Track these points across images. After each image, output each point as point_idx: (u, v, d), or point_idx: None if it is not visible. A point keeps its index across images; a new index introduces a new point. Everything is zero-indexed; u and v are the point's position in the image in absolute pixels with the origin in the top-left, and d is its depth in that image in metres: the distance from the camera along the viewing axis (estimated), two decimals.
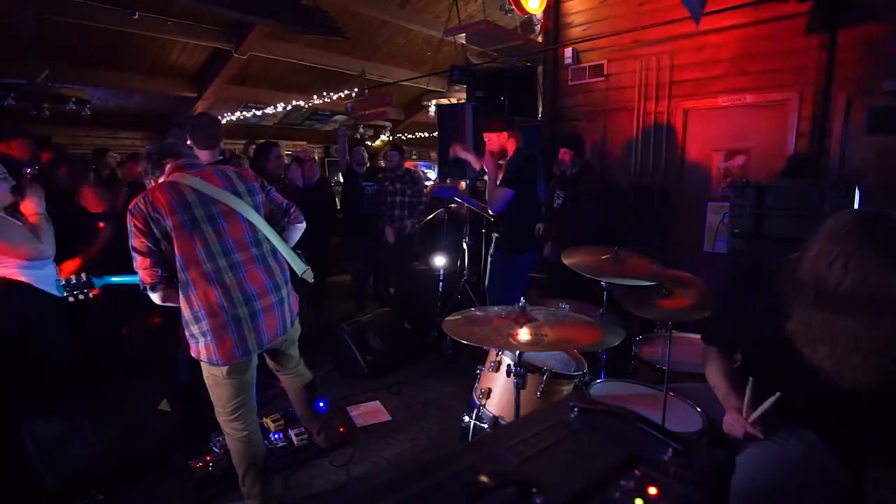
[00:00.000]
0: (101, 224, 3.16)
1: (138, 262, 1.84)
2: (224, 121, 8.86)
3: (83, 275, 2.19)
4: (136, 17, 5.85)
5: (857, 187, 2.68)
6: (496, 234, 3.40)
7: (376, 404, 3.35)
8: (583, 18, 4.66)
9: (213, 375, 2.00)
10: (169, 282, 1.89)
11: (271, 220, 2.12)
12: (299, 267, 2.15)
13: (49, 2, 5.32)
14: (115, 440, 2.54)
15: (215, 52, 7.31)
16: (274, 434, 2.79)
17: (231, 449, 2.14)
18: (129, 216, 1.82)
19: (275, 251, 2.07)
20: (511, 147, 3.23)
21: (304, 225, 2.26)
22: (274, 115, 9.08)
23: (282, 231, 2.17)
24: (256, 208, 2.02)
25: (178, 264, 1.86)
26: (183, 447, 2.69)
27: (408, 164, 7.17)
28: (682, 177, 4.23)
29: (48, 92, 4.97)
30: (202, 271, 1.86)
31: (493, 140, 3.24)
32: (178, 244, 1.84)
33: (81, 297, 2.19)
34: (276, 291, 2.04)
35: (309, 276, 2.19)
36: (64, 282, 2.16)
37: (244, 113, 8.85)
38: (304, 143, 10.50)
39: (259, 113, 8.84)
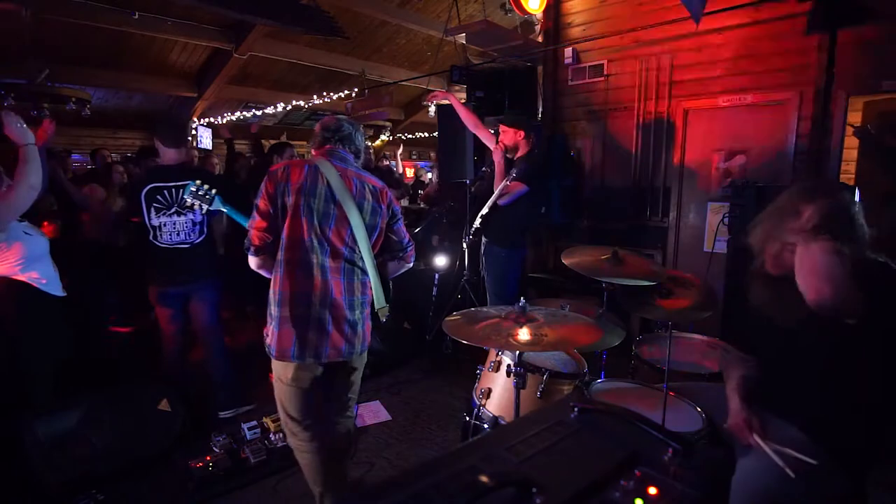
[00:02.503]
0: None
1: (255, 222, 1.86)
2: (224, 121, 8.87)
3: (213, 190, 2.45)
4: (136, 17, 5.86)
5: (856, 187, 2.68)
6: (485, 238, 3.42)
7: (376, 404, 3.35)
8: (583, 18, 4.67)
9: (280, 381, 1.95)
10: (270, 252, 1.89)
11: (383, 249, 2.06)
12: (379, 300, 2.04)
13: (49, 2, 5.32)
14: (115, 440, 2.54)
15: (215, 52, 7.32)
16: (274, 434, 2.79)
17: (302, 465, 2.04)
18: (266, 177, 1.88)
19: (363, 273, 1.97)
20: (522, 147, 3.29)
21: (411, 265, 2.19)
22: (274, 115, 9.10)
23: (388, 261, 2.11)
24: (369, 228, 1.94)
25: (281, 242, 1.88)
26: (183, 447, 2.69)
27: (408, 165, 7.19)
28: (682, 177, 4.23)
29: (48, 92, 4.99)
30: (295, 258, 1.86)
31: (509, 135, 3.28)
32: (289, 223, 1.86)
33: (198, 207, 2.47)
34: (351, 310, 1.94)
35: (382, 315, 2.08)
36: (195, 186, 2.42)
37: (244, 113, 8.86)
38: (305, 142, 10.51)
39: (259, 113, 8.85)
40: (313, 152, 2.06)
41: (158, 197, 2.82)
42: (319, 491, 2.04)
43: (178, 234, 2.87)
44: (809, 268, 1.40)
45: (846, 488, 1.45)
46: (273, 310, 1.89)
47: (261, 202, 1.86)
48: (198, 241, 2.93)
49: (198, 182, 2.46)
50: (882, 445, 1.50)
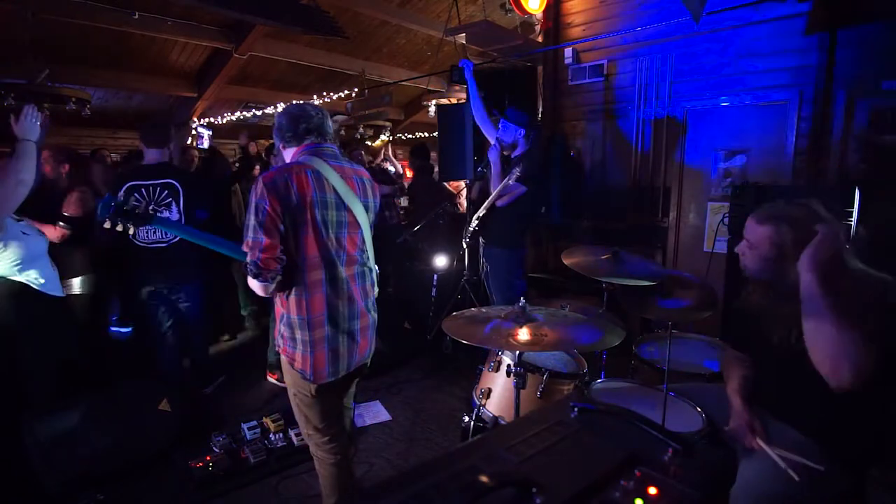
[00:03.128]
0: None
1: (264, 243, 1.61)
2: (224, 121, 8.87)
3: (143, 202, 1.98)
4: (136, 17, 5.85)
5: (856, 188, 2.68)
6: (483, 238, 3.41)
7: (376, 404, 3.35)
8: (583, 18, 4.66)
9: (302, 394, 1.86)
10: (284, 274, 1.70)
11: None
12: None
13: (49, 2, 5.32)
14: (115, 440, 2.54)
15: (215, 52, 7.31)
16: (274, 434, 2.79)
17: (322, 476, 1.99)
18: (262, 190, 1.62)
19: (370, 271, 1.96)
20: (522, 146, 3.22)
21: None
22: (274, 114, 9.09)
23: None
24: (371, 226, 1.92)
25: (300, 262, 1.71)
26: (183, 447, 2.69)
27: (405, 164, 7.18)
28: (682, 177, 4.23)
29: (48, 92, 4.97)
30: (320, 277, 1.74)
31: (510, 132, 3.20)
32: (309, 241, 1.70)
33: (121, 228, 1.92)
34: (370, 313, 1.93)
35: None
36: (115, 201, 1.82)
37: (244, 113, 8.84)
38: None
39: (259, 113, 8.84)
40: (287, 150, 1.86)
41: (136, 195, 2.84)
42: (334, 501, 1.99)
43: (154, 233, 2.86)
44: (824, 347, 1.34)
45: (846, 489, 1.45)
46: (300, 334, 1.76)
47: (268, 220, 1.62)
48: (174, 240, 2.90)
49: (122, 194, 2.04)
50: (883, 448, 1.49)
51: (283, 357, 1.86)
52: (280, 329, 1.83)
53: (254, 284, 1.69)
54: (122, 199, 1.83)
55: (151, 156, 2.98)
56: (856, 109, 3.40)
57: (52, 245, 2.69)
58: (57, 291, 2.64)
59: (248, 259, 1.64)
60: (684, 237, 4.24)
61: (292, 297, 1.75)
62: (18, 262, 2.45)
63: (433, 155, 5.54)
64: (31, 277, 2.51)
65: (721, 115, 3.98)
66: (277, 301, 1.82)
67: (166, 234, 2.90)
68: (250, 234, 1.64)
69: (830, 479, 1.42)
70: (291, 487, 2.54)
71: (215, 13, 5.91)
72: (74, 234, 2.94)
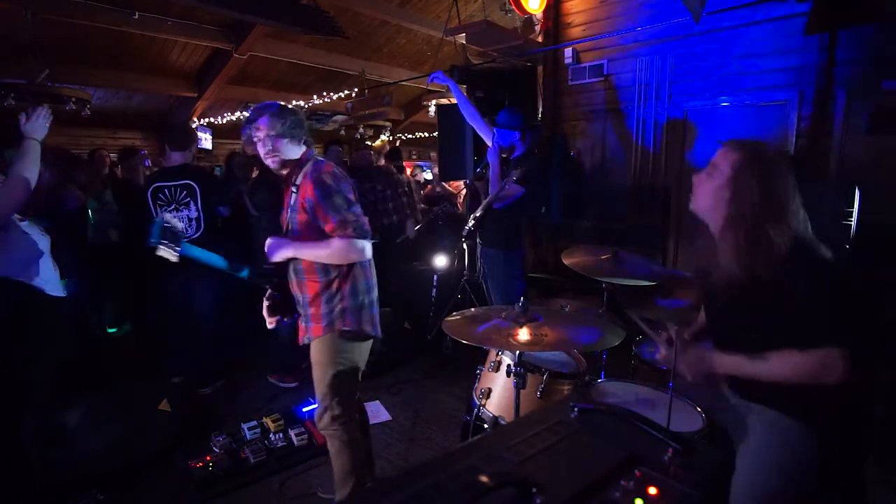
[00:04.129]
0: None
1: (359, 211, 1.95)
2: (224, 121, 8.87)
3: (176, 221, 2.08)
4: (136, 16, 5.86)
5: (856, 187, 2.68)
6: (480, 240, 3.40)
7: (376, 404, 3.35)
8: (583, 18, 4.67)
9: (352, 362, 2.06)
10: None
11: None
12: None
13: (49, 2, 5.32)
14: (115, 440, 2.54)
15: (215, 52, 7.31)
16: (274, 434, 2.79)
17: (341, 453, 2.03)
18: (334, 174, 1.94)
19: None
20: (519, 147, 3.22)
21: None
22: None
23: None
24: None
25: None
26: (183, 447, 2.69)
27: (407, 165, 7.20)
28: (682, 177, 4.23)
29: (48, 92, 4.96)
30: None
31: (504, 136, 3.20)
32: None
33: (163, 251, 1.91)
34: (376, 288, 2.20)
35: None
36: (166, 223, 1.87)
37: (244, 113, 8.84)
38: None
39: None
40: (299, 148, 2.04)
41: (160, 195, 3.10)
42: (353, 481, 2.00)
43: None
44: (798, 376, 1.35)
45: (845, 486, 1.44)
46: (364, 298, 2.04)
47: (353, 195, 1.96)
48: (195, 235, 3.12)
49: (169, 220, 1.97)
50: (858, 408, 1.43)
51: (338, 329, 1.98)
52: (335, 307, 1.98)
53: (355, 249, 1.90)
54: (168, 222, 1.95)
55: (175, 158, 3.18)
56: (856, 109, 3.40)
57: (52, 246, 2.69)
58: (57, 291, 2.64)
59: (352, 228, 1.88)
60: (685, 237, 4.24)
61: (357, 266, 2.01)
62: (19, 261, 2.45)
63: (433, 155, 5.59)
64: (32, 277, 2.51)
65: (721, 115, 3.98)
66: (333, 277, 1.97)
67: (187, 230, 3.09)
68: (344, 209, 1.89)
69: (825, 478, 1.42)
70: (292, 487, 2.54)
71: (215, 13, 5.91)
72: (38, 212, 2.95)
